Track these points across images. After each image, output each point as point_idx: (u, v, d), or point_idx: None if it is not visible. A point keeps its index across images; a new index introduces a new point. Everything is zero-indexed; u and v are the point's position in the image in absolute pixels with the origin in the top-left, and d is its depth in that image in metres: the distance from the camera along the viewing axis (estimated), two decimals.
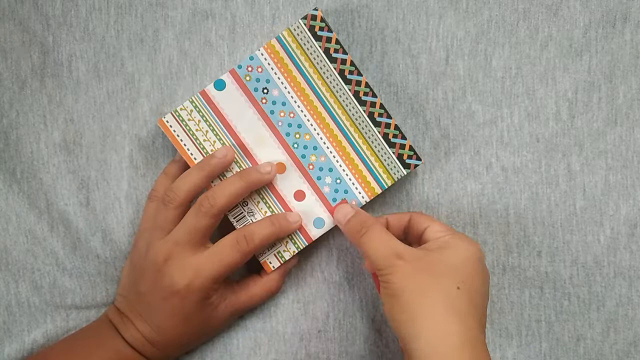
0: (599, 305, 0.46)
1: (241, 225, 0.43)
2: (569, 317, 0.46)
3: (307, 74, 0.43)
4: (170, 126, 0.43)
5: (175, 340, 0.42)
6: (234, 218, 0.43)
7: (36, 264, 0.45)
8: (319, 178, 0.44)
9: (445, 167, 0.46)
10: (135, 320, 0.42)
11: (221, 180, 0.43)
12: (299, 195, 0.44)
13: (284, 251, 0.44)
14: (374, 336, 0.46)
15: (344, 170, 0.44)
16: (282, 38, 0.42)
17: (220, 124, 0.43)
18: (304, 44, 0.42)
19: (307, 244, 0.44)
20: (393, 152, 0.43)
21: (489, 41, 0.45)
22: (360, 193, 0.44)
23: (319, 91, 0.43)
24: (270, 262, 0.44)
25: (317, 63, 0.43)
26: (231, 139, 0.43)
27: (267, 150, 0.43)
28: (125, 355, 0.41)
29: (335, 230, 0.46)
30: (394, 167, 0.43)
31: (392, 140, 0.43)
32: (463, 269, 0.36)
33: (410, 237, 0.42)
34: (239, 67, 0.43)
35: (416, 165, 0.43)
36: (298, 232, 0.44)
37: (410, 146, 0.43)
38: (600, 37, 0.45)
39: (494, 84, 0.45)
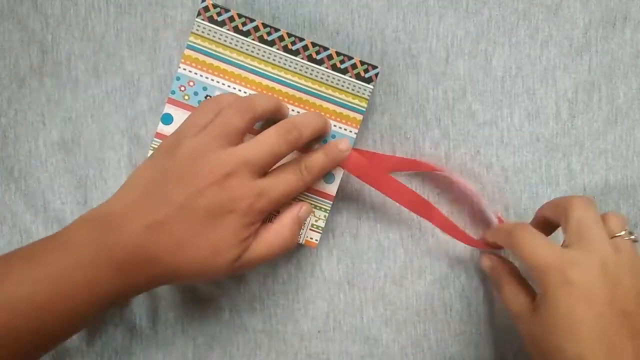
0: None
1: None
2: None
3: (233, 60, 0.42)
4: None
5: (178, 261, 0.36)
6: None
7: None
8: None
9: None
10: (134, 224, 0.35)
11: None
12: None
13: (317, 220, 0.44)
14: (374, 336, 0.46)
15: None
16: (193, 44, 0.42)
17: None
18: (214, 37, 0.42)
19: (331, 203, 0.44)
20: (350, 76, 0.43)
21: (489, 41, 0.45)
22: (345, 130, 0.43)
23: (253, 68, 0.43)
24: (312, 238, 0.44)
25: (235, 45, 0.42)
26: None
27: None
28: (93, 266, 0.35)
29: (335, 230, 0.46)
30: (359, 88, 0.43)
31: (342, 67, 0.43)
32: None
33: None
34: (173, 92, 0.43)
35: (377, 75, 0.42)
36: (317, 196, 0.43)
37: (360, 61, 0.43)
38: (600, 37, 0.45)
39: (494, 84, 0.45)
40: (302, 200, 0.43)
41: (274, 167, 0.41)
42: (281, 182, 0.38)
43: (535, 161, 0.45)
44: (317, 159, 0.40)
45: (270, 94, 0.43)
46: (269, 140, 0.38)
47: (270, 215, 0.43)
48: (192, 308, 0.46)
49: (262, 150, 0.37)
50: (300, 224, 0.41)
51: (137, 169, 0.38)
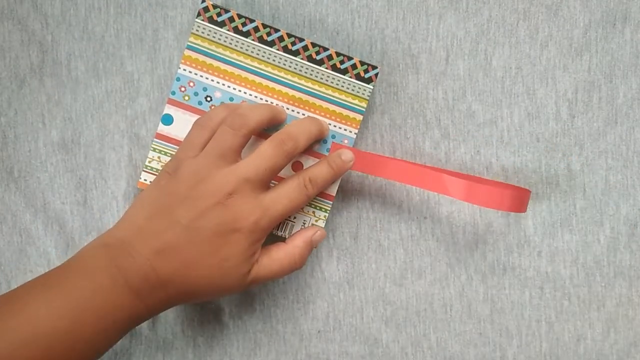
0: (599, 305, 0.45)
1: (279, 232, 0.44)
2: (569, 317, 0.46)
3: (233, 61, 0.43)
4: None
5: (189, 282, 0.37)
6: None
7: (29, 265, 0.45)
8: None
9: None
10: (144, 249, 0.36)
11: None
12: (296, 166, 0.43)
13: (317, 221, 0.44)
14: (374, 336, 0.46)
15: None
16: (193, 44, 0.42)
17: None
18: (214, 37, 0.42)
19: (331, 203, 0.44)
20: (350, 77, 0.43)
21: (489, 41, 0.45)
22: (345, 130, 0.43)
23: (253, 69, 0.43)
24: None
25: (235, 45, 0.42)
26: None
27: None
28: (112, 291, 0.35)
29: (335, 230, 0.46)
30: (359, 88, 0.43)
31: (342, 67, 0.43)
32: None
33: None
34: (173, 93, 0.43)
35: (377, 75, 0.43)
36: (317, 196, 0.43)
37: (360, 61, 0.43)
38: (600, 37, 0.45)
39: (494, 84, 0.45)
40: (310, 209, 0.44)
41: (278, 176, 0.42)
42: (285, 197, 0.39)
43: (535, 161, 0.45)
44: (321, 172, 0.40)
45: (270, 94, 0.43)
46: (265, 154, 0.38)
47: (284, 226, 0.43)
48: (192, 309, 0.46)
49: (260, 165, 0.38)
50: (311, 247, 0.42)
51: (142, 192, 0.39)
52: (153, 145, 0.43)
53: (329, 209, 0.44)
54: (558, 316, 0.46)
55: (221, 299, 0.46)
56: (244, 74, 0.43)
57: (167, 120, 0.43)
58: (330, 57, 0.43)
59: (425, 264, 0.46)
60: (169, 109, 0.43)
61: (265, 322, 0.46)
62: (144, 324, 0.46)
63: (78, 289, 0.35)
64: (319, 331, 0.46)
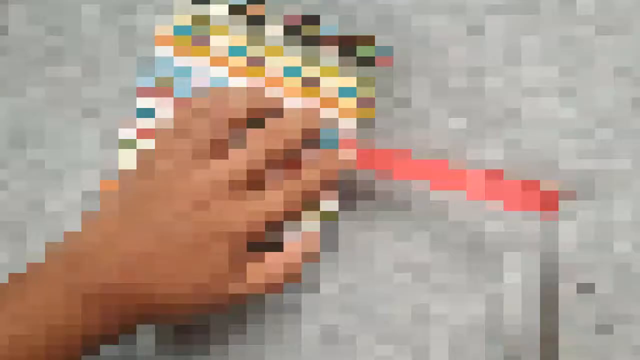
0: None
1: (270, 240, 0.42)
2: (607, 339, 0.43)
3: (219, 41, 0.42)
4: None
5: (161, 299, 0.36)
6: None
7: None
8: None
9: (465, 162, 0.44)
10: (110, 261, 0.35)
11: None
12: (291, 164, 0.42)
13: (314, 227, 0.42)
14: (375, 338, 0.44)
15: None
16: (174, 23, 0.42)
17: None
18: (197, 14, 0.42)
19: (333, 205, 0.42)
20: (355, 59, 0.41)
21: (520, 19, 0.44)
22: (348, 122, 0.41)
23: (243, 51, 0.42)
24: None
25: (223, 23, 0.42)
26: None
27: None
28: (69, 306, 0.34)
29: (336, 238, 0.44)
30: (366, 72, 0.42)
31: (346, 48, 0.41)
32: None
33: None
34: (148, 79, 0.42)
35: (386, 57, 0.42)
36: (314, 199, 0.42)
37: (365, 36, 0.41)
38: None
39: (526, 68, 0.44)
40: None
41: (268, 178, 0.41)
42: (274, 202, 0.38)
43: (570, 158, 0.44)
44: (316, 172, 0.40)
45: (259, 81, 0.42)
46: (250, 152, 0.38)
47: (275, 233, 0.42)
48: (169, 329, 0.44)
49: (243, 164, 0.37)
50: (307, 258, 0.40)
51: (108, 193, 0.38)
52: (122, 139, 0.42)
53: (329, 213, 0.42)
54: (595, 338, 0.43)
55: (202, 318, 0.44)
56: (232, 57, 0.42)
57: (140, 110, 0.42)
58: (332, 37, 0.41)
59: (443, 277, 0.44)
60: (142, 98, 0.42)
61: (254, 346, 0.44)
62: (115, 348, 0.43)
63: (31, 304, 0.34)
64: (319, 338, 0.44)
